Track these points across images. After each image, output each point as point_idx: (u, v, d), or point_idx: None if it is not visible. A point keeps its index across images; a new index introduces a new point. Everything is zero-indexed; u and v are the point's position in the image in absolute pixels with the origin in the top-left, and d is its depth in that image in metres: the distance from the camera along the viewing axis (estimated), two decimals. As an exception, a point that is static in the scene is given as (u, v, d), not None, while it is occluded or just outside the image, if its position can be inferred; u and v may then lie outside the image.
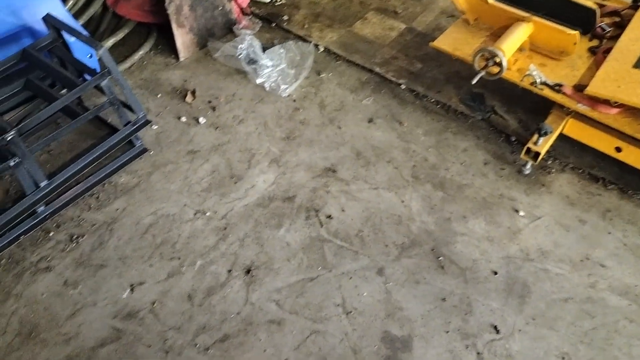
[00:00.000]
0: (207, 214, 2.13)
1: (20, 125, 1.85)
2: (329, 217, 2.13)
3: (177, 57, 2.77)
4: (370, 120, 2.49)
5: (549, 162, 2.32)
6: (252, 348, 1.79)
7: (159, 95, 2.59)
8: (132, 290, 1.91)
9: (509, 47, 2.16)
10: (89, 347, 1.77)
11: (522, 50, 2.28)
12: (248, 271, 1.97)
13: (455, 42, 2.38)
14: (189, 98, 2.57)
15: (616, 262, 1.99)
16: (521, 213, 2.15)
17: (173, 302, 1.88)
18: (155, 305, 1.87)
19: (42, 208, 2.04)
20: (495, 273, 1.97)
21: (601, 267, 1.98)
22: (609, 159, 2.21)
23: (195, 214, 2.13)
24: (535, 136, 2.14)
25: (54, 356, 1.75)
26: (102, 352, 1.76)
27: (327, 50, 2.83)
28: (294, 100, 2.58)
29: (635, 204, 2.16)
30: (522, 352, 1.78)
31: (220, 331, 1.82)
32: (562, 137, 2.25)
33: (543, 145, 2.15)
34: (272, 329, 1.83)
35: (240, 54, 2.64)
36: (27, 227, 2.01)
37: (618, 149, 2.16)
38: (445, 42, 2.39)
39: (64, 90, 2.20)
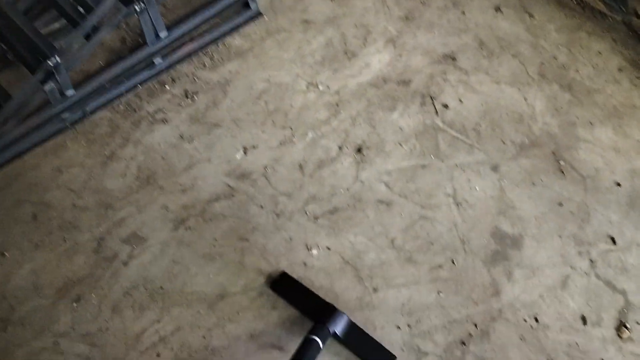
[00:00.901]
0: (320, 87, 2.07)
1: (148, -31, 1.78)
2: (445, 106, 2.04)
3: None
4: (497, 9, 2.30)
5: (693, 76, 2.11)
6: (360, 223, 1.79)
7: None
8: (245, 152, 1.91)
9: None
10: (204, 199, 1.82)
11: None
12: (359, 150, 1.93)
13: None
14: (304, -36, 2.41)
15: None
16: (653, 129, 2.00)
17: (285, 169, 1.89)
18: (267, 169, 1.88)
19: (159, 60, 2.02)
20: (619, 185, 1.87)
21: None
22: None
23: (307, 85, 2.07)
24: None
25: (171, 203, 1.81)
26: (216, 206, 1.81)
27: None
28: (416, -21, 2.39)
29: None
30: (638, 266, 1.72)
31: (330, 203, 1.83)
32: None
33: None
34: (380, 208, 1.83)
35: None
36: (144, 78, 2.01)
37: None
38: None
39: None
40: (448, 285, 1.69)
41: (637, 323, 1.63)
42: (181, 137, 1.94)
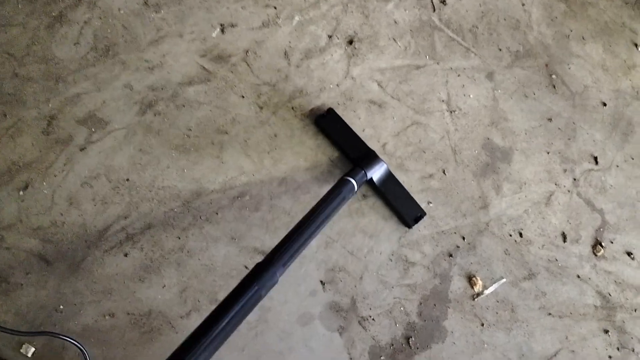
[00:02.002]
0: (309, -37, 1.80)
1: None
2: (443, 2, 1.86)
3: None
4: None
5: (680, 0, 2.08)
6: (351, 124, 1.64)
7: None
8: (222, 30, 1.65)
9: None
10: (175, 81, 1.56)
11: None
12: (350, 42, 1.74)
13: None
14: None
15: None
16: (640, 49, 1.97)
17: (268, 55, 1.66)
18: (248, 54, 1.64)
19: None
20: (605, 104, 1.85)
21: None
22: None
23: (294, -41, 1.79)
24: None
25: (136, 82, 1.54)
26: (190, 91, 1.57)
27: None
28: None
29: None
30: (616, 187, 1.75)
31: (318, 99, 1.65)
32: None
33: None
34: (372, 109, 1.68)
35: None
36: None
37: None
38: None
39: None
40: (438, 196, 1.63)
41: (611, 242, 1.68)
42: (146, 3, 1.62)
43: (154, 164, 1.48)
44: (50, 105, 1.46)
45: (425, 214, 1.57)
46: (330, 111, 1.60)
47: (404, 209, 1.55)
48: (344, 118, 1.62)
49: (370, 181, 1.52)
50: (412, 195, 1.57)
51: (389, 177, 1.56)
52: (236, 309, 0.96)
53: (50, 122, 1.45)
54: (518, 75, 1.82)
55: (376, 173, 1.51)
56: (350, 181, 1.37)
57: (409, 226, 1.57)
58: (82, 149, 1.45)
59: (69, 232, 1.39)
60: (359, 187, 1.41)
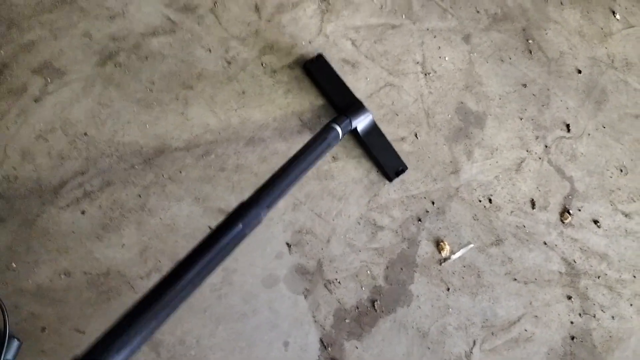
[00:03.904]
0: None
1: None
2: (422, -41, 1.80)
3: None
4: None
5: (660, -31, 2.05)
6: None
7: None
8: (189, -21, 1.56)
9: None
10: (137, 32, 1.48)
11: None
12: (325, -4, 1.67)
13: None
14: None
15: (692, 93, 1.91)
16: (617, 16, 1.94)
17: (237, 7, 1.58)
18: (216, 5, 1.56)
19: None
20: (579, 72, 1.83)
21: (678, 94, 1.89)
22: None
23: None
24: None
25: (96, 31, 1.45)
26: (154, 42, 1.48)
27: None
28: None
29: None
30: (586, 155, 1.75)
31: (289, 56, 1.58)
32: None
33: (678, -55, 1.86)
34: (345, 69, 1.62)
35: None
36: None
37: None
38: None
39: None
40: (409, 160, 1.60)
41: (579, 210, 1.69)
42: (107, -54, 1.51)
43: (113, 117, 1.41)
44: (1, 51, 1.37)
45: (406, 167, 1.56)
46: (320, 57, 1.56)
47: (386, 161, 1.53)
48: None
49: (355, 131, 1.49)
50: (394, 148, 1.54)
51: (374, 128, 1.53)
52: (220, 246, 0.93)
53: (1, 71, 1.36)
54: (495, 39, 1.78)
55: (361, 123, 1.48)
56: (335, 128, 1.34)
57: (390, 179, 1.55)
58: (36, 100, 1.37)
59: (22, 187, 1.32)
60: (343, 135, 1.38)
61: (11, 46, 1.37)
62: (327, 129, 1.34)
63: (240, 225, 0.98)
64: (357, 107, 1.49)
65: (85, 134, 1.39)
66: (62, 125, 1.37)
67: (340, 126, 1.36)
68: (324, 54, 1.57)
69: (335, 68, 1.56)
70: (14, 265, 1.30)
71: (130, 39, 1.47)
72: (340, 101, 1.53)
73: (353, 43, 1.65)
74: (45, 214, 1.32)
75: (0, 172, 1.32)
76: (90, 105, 1.40)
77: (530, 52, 1.80)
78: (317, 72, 1.55)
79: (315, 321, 1.45)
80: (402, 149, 1.60)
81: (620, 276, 1.67)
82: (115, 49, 1.45)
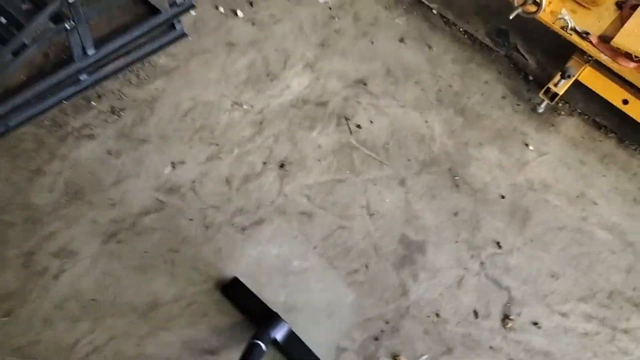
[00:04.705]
0: (244, 106, 2.21)
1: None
2: (359, 126, 2.26)
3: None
4: (401, 40, 2.57)
5: (560, 105, 2.50)
6: (285, 234, 1.95)
7: (195, -20, 2.56)
8: (173, 167, 2.01)
9: (550, -12, 2.25)
10: (133, 213, 1.89)
11: (558, -7, 2.38)
12: (282, 165, 2.10)
13: (498, -25, 2.44)
14: (226, -12, 2.55)
15: (606, 202, 2.24)
16: (530, 147, 2.34)
17: (212, 183, 2.01)
18: (195, 184, 1.99)
19: (85, 76, 2.06)
20: (503, 197, 2.19)
21: (593, 204, 2.22)
22: (613, 109, 2.39)
23: (232, 104, 2.21)
24: (558, 77, 2.29)
25: (101, 217, 1.86)
26: (146, 220, 1.89)
27: (364, -38, 2.83)
28: (330, 8, 2.61)
29: (630, 154, 2.39)
30: (519, 266, 2.03)
31: (255, 215, 1.98)
32: (575, 83, 2.42)
33: (562, 87, 2.31)
34: (303, 219, 2.00)
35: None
36: (69, 93, 2.04)
37: (625, 101, 2.33)
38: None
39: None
40: (363, 288, 1.90)
41: (518, 315, 1.94)
42: (109, 152, 1.99)
43: (115, 283, 1.77)
44: (29, 243, 1.77)
45: None
46: (235, 280, 1.82)
47: None
48: (278, 230, 1.94)
49: (275, 341, 1.69)
50: (314, 352, 1.72)
51: (292, 336, 1.72)
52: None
53: (29, 258, 1.75)
54: (426, 180, 2.17)
55: (279, 333, 1.69)
56: (258, 344, 1.59)
57: None
58: (55, 277, 1.74)
59: (44, 349, 1.64)
60: (266, 348, 1.61)
61: (35, 238, 1.78)
62: (251, 346, 1.57)
63: None
64: (274, 319, 1.70)
65: (93, 299, 1.73)
66: (75, 295, 1.73)
67: (262, 340, 1.59)
68: (238, 277, 1.83)
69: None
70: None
71: (128, 219, 1.88)
72: (258, 316, 1.74)
73: (308, 198, 2.05)
74: (61, 369, 1.62)
75: (25, 338, 1.64)
76: (97, 276, 1.77)
77: (458, 187, 2.18)
78: (234, 293, 1.79)
79: None
80: (356, 279, 1.91)
81: (568, 371, 1.86)
82: (116, 229, 1.85)
